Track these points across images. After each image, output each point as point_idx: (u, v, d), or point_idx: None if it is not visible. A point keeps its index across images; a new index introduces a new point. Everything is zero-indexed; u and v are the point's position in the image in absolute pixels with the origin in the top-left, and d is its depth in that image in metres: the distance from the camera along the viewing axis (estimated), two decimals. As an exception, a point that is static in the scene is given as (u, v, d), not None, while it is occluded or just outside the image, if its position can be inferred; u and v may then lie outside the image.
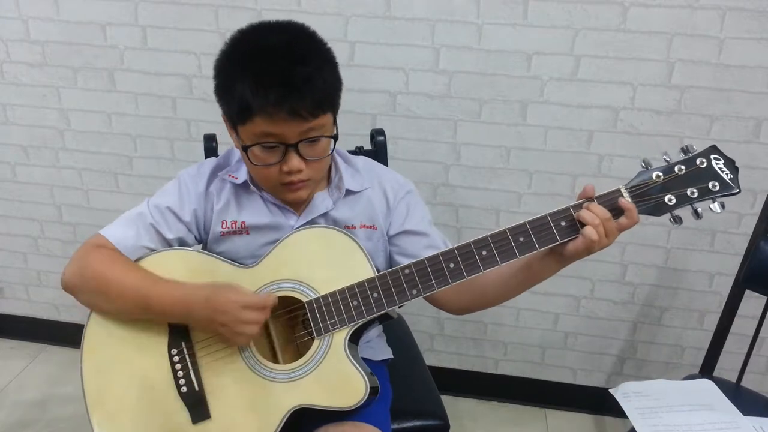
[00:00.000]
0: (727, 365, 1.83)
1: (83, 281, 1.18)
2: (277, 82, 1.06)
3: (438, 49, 1.87)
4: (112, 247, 1.20)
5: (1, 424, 2.12)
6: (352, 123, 1.94)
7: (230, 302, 1.11)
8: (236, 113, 1.10)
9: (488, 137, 1.95)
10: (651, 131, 1.86)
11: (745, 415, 1.34)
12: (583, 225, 1.05)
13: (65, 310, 2.48)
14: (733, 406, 1.37)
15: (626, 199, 1.05)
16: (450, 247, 1.11)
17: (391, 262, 1.29)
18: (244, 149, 1.13)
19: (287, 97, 1.06)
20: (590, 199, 1.06)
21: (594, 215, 1.04)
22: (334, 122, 1.17)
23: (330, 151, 1.18)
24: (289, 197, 1.21)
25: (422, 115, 1.95)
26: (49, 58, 2.07)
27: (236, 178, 1.25)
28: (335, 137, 1.17)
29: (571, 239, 1.06)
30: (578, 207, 1.06)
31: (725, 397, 1.41)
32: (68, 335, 2.45)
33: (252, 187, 1.25)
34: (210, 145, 1.59)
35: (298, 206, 1.25)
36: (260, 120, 1.08)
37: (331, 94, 1.13)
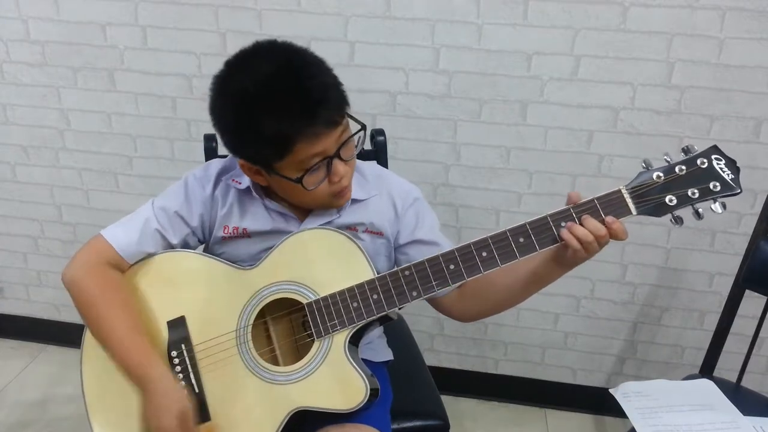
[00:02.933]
0: (727, 365, 1.82)
1: (74, 300, 1.19)
2: (304, 102, 1.05)
3: (438, 49, 1.86)
4: (113, 257, 1.19)
5: (1, 424, 2.12)
6: (352, 123, 1.93)
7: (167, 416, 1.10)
8: (272, 152, 1.08)
9: (488, 137, 1.95)
10: (651, 131, 1.86)
11: (745, 415, 1.34)
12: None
13: (65, 310, 2.48)
14: (733, 406, 1.37)
15: (611, 220, 1.04)
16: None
17: None
18: (297, 181, 1.11)
19: (319, 110, 1.05)
20: (590, 201, 1.06)
21: (587, 232, 1.03)
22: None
23: (359, 147, 1.18)
24: (340, 203, 1.22)
25: (422, 115, 1.95)
26: (49, 58, 2.07)
27: (239, 183, 1.25)
28: (364, 126, 1.17)
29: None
30: (579, 208, 1.06)
31: (725, 397, 1.41)
32: (68, 335, 2.45)
33: (254, 193, 1.24)
34: (210, 145, 1.58)
35: (302, 214, 1.25)
36: (301, 145, 1.07)
37: (342, 90, 1.13)
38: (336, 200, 1.20)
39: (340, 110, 1.10)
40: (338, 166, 1.13)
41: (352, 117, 1.16)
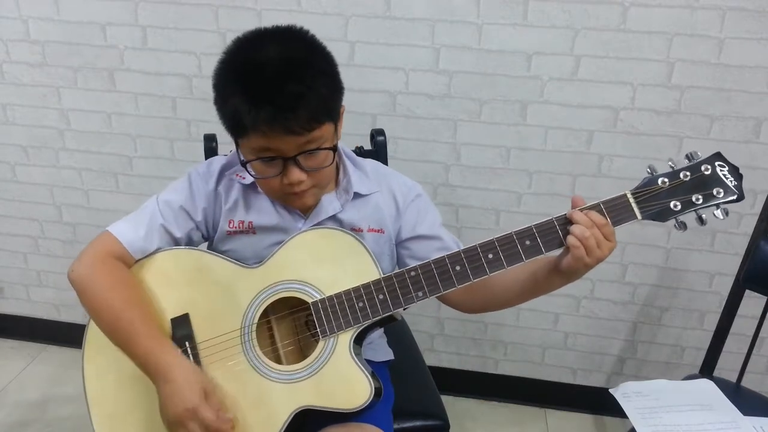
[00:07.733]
0: (727, 365, 1.83)
1: (83, 294, 1.17)
2: (268, 101, 1.04)
3: (438, 49, 1.87)
4: (121, 252, 1.19)
5: (1, 424, 2.12)
6: (352, 123, 1.92)
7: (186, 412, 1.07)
8: (232, 128, 1.10)
9: (488, 137, 1.95)
10: (651, 131, 1.86)
11: (745, 415, 1.34)
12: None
13: (65, 310, 2.48)
14: (733, 406, 1.37)
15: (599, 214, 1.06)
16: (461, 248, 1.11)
17: (401, 265, 1.29)
18: (244, 164, 1.13)
19: (278, 115, 1.04)
20: (596, 205, 1.06)
21: (584, 228, 1.04)
22: (336, 129, 1.16)
23: (331, 161, 1.16)
24: (295, 204, 1.21)
25: (422, 115, 1.95)
26: (49, 58, 2.07)
27: (244, 178, 1.25)
28: (334, 148, 1.14)
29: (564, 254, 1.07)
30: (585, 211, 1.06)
31: (725, 397, 1.41)
32: (68, 335, 2.46)
33: (259, 188, 1.24)
34: (210, 145, 1.58)
35: (305, 209, 1.25)
36: (255, 136, 1.07)
37: (327, 105, 1.10)
38: (292, 201, 1.20)
39: (306, 122, 1.06)
40: (293, 171, 1.11)
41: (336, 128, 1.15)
